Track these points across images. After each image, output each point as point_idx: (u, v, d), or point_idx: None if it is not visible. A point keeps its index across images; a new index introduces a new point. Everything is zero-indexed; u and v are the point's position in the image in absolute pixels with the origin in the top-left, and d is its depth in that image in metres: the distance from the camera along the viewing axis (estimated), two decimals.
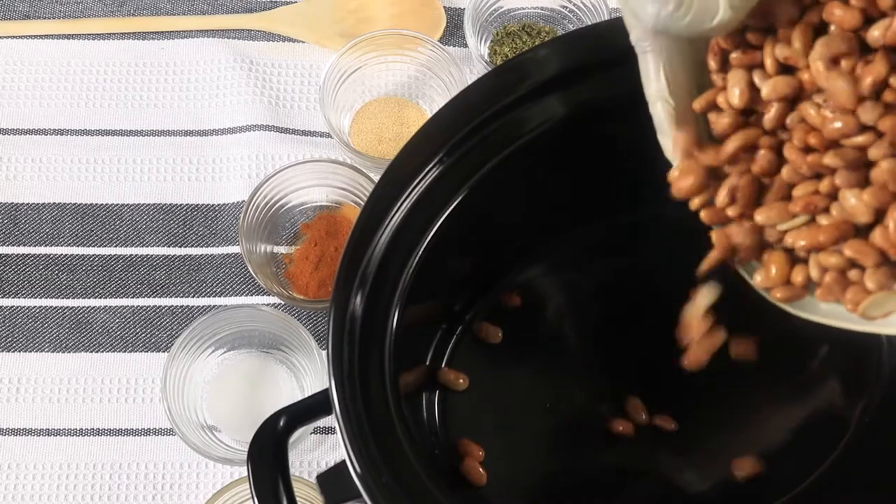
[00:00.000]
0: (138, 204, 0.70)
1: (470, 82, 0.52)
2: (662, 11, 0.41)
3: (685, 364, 0.53)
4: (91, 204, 0.70)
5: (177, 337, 0.62)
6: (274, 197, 0.66)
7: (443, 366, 0.58)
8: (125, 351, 0.66)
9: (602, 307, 0.61)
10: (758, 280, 0.45)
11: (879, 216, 0.41)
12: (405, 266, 0.50)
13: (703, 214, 0.45)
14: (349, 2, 0.75)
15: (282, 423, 0.49)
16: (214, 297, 0.68)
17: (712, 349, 0.54)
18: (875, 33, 0.39)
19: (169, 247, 0.69)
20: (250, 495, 0.48)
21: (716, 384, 0.62)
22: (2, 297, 0.67)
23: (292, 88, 0.73)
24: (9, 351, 0.66)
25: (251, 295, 0.68)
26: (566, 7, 0.73)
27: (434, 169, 0.50)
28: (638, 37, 0.44)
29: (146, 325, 0.67)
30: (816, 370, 0.61)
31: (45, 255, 0.69)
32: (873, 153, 0.40)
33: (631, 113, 0.50)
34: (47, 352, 0.66)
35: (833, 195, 0.42)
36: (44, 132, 0.71)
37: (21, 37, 0.74)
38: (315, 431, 0.64)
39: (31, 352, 0.66)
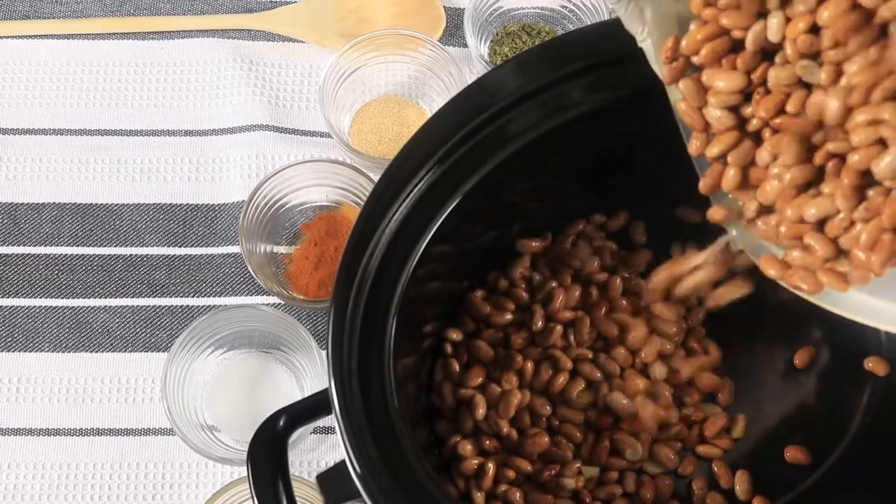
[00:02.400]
0: (138, 204, 0.70)
1: (470, 82, 0.52)
2: None
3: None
4: (91, 204, 0.70)
5: (177, 337, 0.62)
6: (274, 197, 0.66)
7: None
8: (125, 351, 0.66)
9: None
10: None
11: None
12: (405, 265, 0.50)
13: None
14: (349, 2, 0.75)
15: (282, 423, 0.49)
16: (214, 297, 0.68)
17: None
18: None
19: (169, 247, 0.69)
20: (250, 495, 0.48)
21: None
22: (2, 297, 0.67)
23: (292, 88, 0.73)
24: (9, 351, 0.66)
25: (251, 295, 0.68)
26: (566, 7, 0.73)
27: (434, 169, 0.50)
28: None
29: (146, 325, 0.67)
30: (815, 372, 0.61)
31: (45, 255, 0.69)
32: None
33: (630, 112, 0.50)
34: (47, 352, 0.66)
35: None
36: (44, 132, 0.71)
37: (21, 37, 0.74)
38: (315, 431, 0.64)
39: (31, 352, 0.66)
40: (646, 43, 0.45)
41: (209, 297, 0.68)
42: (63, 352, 0.66)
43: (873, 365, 0.58)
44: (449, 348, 0.59)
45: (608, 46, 0.51)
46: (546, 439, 0.57)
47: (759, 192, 0.43)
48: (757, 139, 0.44)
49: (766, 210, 0.44)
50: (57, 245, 0.69)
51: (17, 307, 0.67)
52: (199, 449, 0.60)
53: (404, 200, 0.50)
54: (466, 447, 0.56)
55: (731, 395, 0.61)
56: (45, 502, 0.63)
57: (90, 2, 0.75)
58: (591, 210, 0.62)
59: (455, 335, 0.59)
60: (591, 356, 0.59)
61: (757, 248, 0.46)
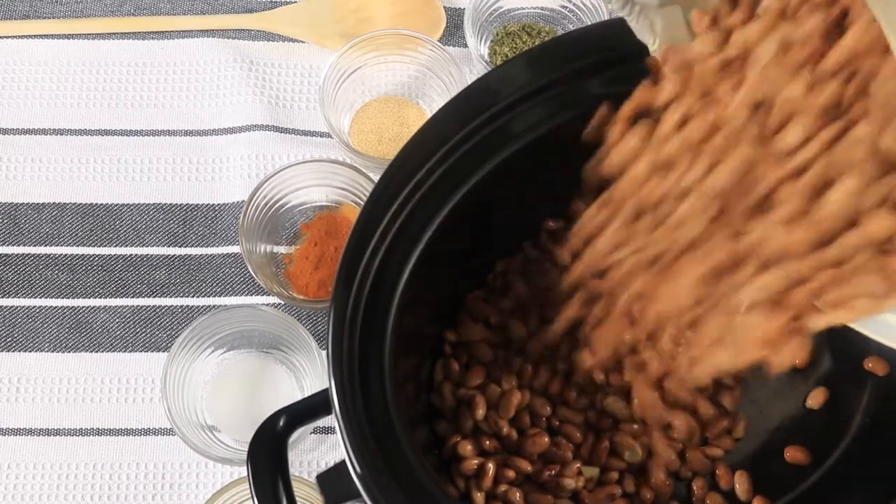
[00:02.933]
0: (138, 204, 0.70)
1: (470, 82, 0.52)
2: None
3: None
4: (91, 204, 0.70)
5: (177, 337, 0.62)
6: (274, 197, 0.66)
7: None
8: (125, 351, 0.66)
9: None
10: None
11: None
12: (405, 266, 0.50)
13: None
14: (349, 2, 0.75)
15: (282, 423, 0.49)
16: (214, 297, 0.68)
17: None
18: None
19: (169, 247, 0.69)
20: (250, 495, 0.48)
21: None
22: (2, 297, 0.67)
23: (292, 88, 0.73)
24: (9, 351, 0.66)
25: (251, 295, 0.68)
26: (566, 7, 0.73)
27: (434, 169, 0.50)
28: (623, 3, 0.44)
29: (146, 325, 0.67)
30: (815, 372, 0.61)
31: (45, 255, 0.69)
32: None
33: None
34: (47, 352, 0.66)
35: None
36: (44, 132, 0.71)
37: (21, 37, 0.74)
38: (315, 431, 0.64)
39: (31, 352, 0.66)
40: (658, 53, 0.45)
41: (209, 297, 0.68)
42: (63, 352, 0.66)
43: (873, 365, 0.58)
44: (449, 348, 0.59)
45: (608, 46, 0.51)
46: (546, 439, 0.57)
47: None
48: None
49: None
50: (57, 245, 0.69)
51: (17, 307, 0.67)
52: (199, 449, 0.60)
53: (404, 200, 0.50)
54: (466, 447, 0.56)
55: (736, 399, 0.60)
56: (45, 502, 0.63)
57: (90, 2, 0.75)
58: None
59: (454, 335, 0.59)
60: None
61: None
